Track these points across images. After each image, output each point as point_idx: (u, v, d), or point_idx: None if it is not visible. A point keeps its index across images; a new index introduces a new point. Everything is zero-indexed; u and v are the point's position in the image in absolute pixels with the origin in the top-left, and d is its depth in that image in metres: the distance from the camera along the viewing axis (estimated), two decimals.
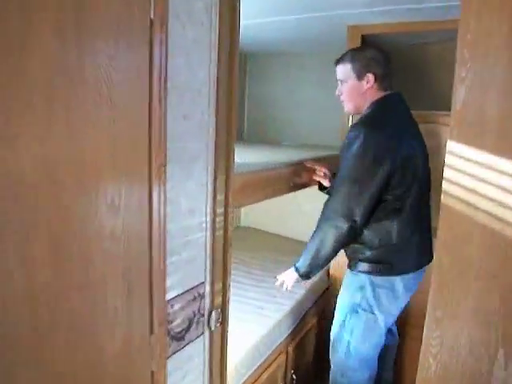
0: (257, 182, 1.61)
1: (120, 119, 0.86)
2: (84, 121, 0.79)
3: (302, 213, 3.33)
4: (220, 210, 1.20)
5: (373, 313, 1.83)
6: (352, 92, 1.82)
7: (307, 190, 3.20)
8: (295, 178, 1.93)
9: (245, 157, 1.85)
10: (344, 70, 1.82)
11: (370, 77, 1.77)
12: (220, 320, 1.28)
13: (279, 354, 2.09)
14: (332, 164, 2.19)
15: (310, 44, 2.74)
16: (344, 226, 1.72)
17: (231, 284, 2.32)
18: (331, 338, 2.02)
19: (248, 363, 1.81)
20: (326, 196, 2.09)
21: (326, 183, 2.08)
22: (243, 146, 2.72)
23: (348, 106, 1.88)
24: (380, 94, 1.79)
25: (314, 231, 1.85)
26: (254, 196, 1.61)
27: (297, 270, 1.93)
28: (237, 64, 1.15)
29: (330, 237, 1.77)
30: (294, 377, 2.25)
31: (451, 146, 1.08)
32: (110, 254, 0.89)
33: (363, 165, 1.67)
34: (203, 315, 1.22)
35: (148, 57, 0.90)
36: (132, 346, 0.99)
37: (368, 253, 1.80)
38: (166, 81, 0.94)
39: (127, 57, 0.85)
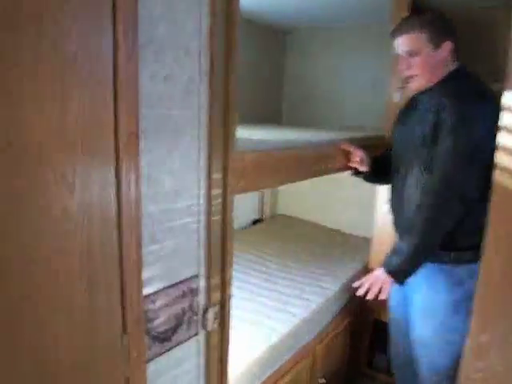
0: (275, 162, 1.41)
1: (71, 76, 0.70)
2: (20, 75, 0.63)
3: (342, 201, 3.10)
4: (216, 192, 1.02)
5: None
6: (426, 64, 1.56)
7: (348, 176, 2.99)
8: (327, 160, 1.72)
9: (271, 136, 1.67)
10: (415, 40, 1.56)
11: (449, 44, 1.53)
12: (219, 319, 1.11)
13: (305, 356, 1.90)
14: (375, 147, 1.96)
15: (349, 14, 2.49)
16: (454, 207, 1.48)
17: (255, 276, 2.20)
18: (417, 343, 1.76)
19: (265, 364, 1.64)
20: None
21: (362, 168, 1.85)
22: (278, 127, 2.53)
23: (420, 81, 1.62)
24: (454, 65, 1.58)
25: (412, 220, 1.57)
26: (271, 179, 1.41)
27: (392, 271, 1.58)
28: (238, 12, 0.95)
29: (437, 223, 1.51)
30: (323, 381, 2.05)
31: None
32: (63, 238, 0.74)
33: (473, 140, 1.44)
34: (197, 314, 1.06)
35: (110, 2, 0.73)
36: (97, 349, 0.84)
37: (469, 239, 1.55)
38: (135, 33, 0.77)
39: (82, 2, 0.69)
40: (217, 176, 1.01)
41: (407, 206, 1.65)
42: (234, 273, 2.28)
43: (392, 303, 1.94)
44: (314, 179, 3.15)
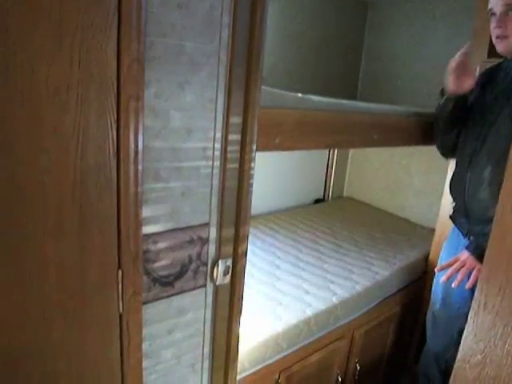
0: (320, 123, 1.31)
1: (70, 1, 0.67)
2: None
3: (412, 187, 2.90)
4: (234, 137, 0.95)
5: None
6: None
7: (421, 161, 2.78)
8: (385, 130, 1.57)
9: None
10: None
11: None
12: (230, 274, 1.06)
13: (340, 338, 1.80)
14: None
15: None
16: None
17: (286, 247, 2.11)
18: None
19: (292, 338, 1.57)
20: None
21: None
22: None
23: (510, 43, 1.43)
24: None
25: None
26: (313, 140, 1.32)
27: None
28: None
29: None
30: (358, 367, 1.94)
31: None
32: (54, 160, 0.73)
33: None
34: (205, 264, 1.01)
35: None
36: (89, 278, 0.83)
37: None
38: None
39: None
40: (236, 120, 0.94)
41: (491, 184, 1.48)
42: (284, 247, 2.26)
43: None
44: (385, 164, 3.01)
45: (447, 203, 2.06)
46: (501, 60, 1.68)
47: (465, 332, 0.64)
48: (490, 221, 1.43)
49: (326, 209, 3.11)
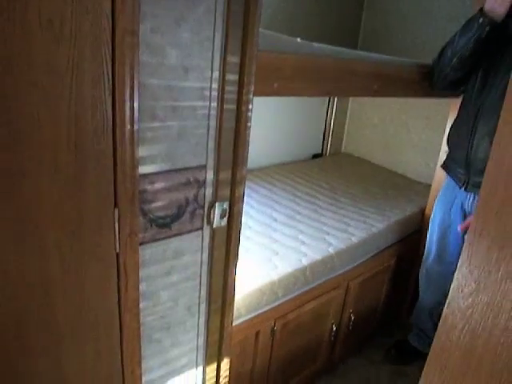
0: (319, 70, 1.29)
1: None
2: None
3: (410, 143, 2.89)
4: (232, 77, 0.93)
5: None
6: None
7: (419, 117, 2.75)
8: (387, 81, 1.53)
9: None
10: None
11: None
12: (227, 217, 1.06)
13: (335, 288, 1.83)
14: None
15: None
16: None
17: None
18: None
19: (288, 286, 1.59)
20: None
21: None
22: None
23: None
24: None
25: None
26: (312, 87, 1.30)
27: None
28: None
29: None
30: (353, 317, 1.99)
31: None
32: (48, 95, 0.71)
33: None
34: (202, 207, 1.01)
35: None
36: (86, 216, 0.83)
37: None
38: None
39: None
40: (234, 59, 0.92)
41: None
42: (282, 200, 2.27)
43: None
44: (384, 120, 2.98)
45: (444, 159, 2.06)
46: None
47: (459, 262, 0.65)
48: None
49: (324, 164, 3.10)
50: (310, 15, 2.60)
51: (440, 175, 2.11)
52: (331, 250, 1.80)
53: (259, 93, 1.06)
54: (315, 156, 3.23)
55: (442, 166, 1.85)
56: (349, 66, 1.39)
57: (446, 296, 1.85)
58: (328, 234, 1.96)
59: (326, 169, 2.97)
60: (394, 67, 1.57)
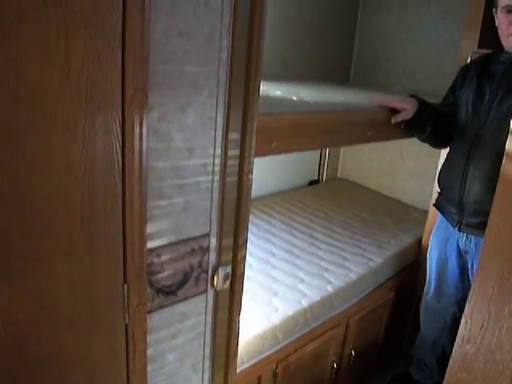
0: (315, 125, 1.34)
1: (76, 28, 0.68)
2: (22, 26, 0.63)
3: (405, 169, 2.95)
4: (233, 152, 0.98)
5: None
6: None
7: (414, 144, 2.81)
8: (378, 126, 1.59)
9: (318, 96, 1.58)
10: None
11: None
12: (230, 280, 1.10)
13: (335, 326, 1.87)
14: None
15: None
16: None
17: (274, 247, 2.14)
18: None
19: (289, 329, 1.63)
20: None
21: (408, 116, 1.62)
22: (339, 86, 2.41)
23: None
24: None
25: None
26: (309, 142, 1.34)
27: None
28: None
29: None
30: (353, 353, 2.02)
31: None
32: (64, 187, 0.75)
33: None
34: (206, 272, 1.06)
35: None
36: (97, 293, 0.87)
37: None
38: None
39: None
40: (235, 136, 0.97)
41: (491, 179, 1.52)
42: (279, 233, 2.31)
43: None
44: (379, 146, 3.03)
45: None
46: (490, 51, 1.70)
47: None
48: (483, 213, 1.48)
49: (321, 191, 3.15)
50: (303, 47, 2.66)
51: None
52: (330, 289, 1.84)
53: (258, 153, 1.10)
54: (312, 182, 3.27)
55: (434, 205, 1.90)
56: (344, 117, 1.45)
57: (446, 329, 1.91)
58: (326, 270, 1.99)
59: (322, 196, 3.01)
60: (386, 114, 1.62)
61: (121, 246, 0.87)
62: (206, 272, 1.06)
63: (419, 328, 2.16)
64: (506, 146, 0.69)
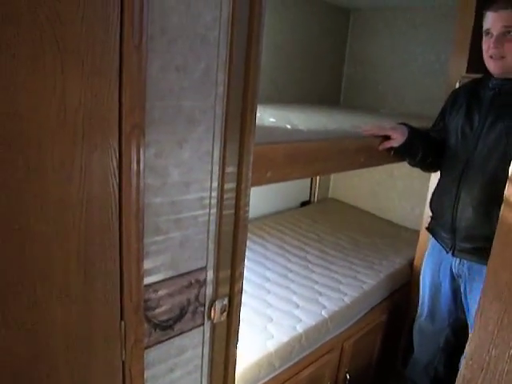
0: (308, 153, 1.35)
1: (72, 68, 0.68)
2: (18, 67, 0.63)
3: (395, 190, 2.97)
4: (230, 186, 0.99)
5: None
6: None
7: (404, 165, 2.84)
8: (369, 152, 1.61)
9: (311, 122, 1.59)
10: None
11: None
12: (227, 312, 1.10)
13: (330, 350, 1.86)
14: None
15: None
16: None
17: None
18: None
19: (284, 356, 1.62)
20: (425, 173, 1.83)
21: (397, 144, 1.66)
22: (331, 109, 2.43)
23: (505, 64, 1.49)
24: None
25: None
26: (303, 170, 1.35)
27: None
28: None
29: None
30: (348, 376, 2.01)
31: None
32: (60, 225, 0.75)
33: None
34: (203, 305, 1.05)
35: None
36: (94, 331, 0.86)
37: None
38: (144, 23, 0.74)
39: None
40: (231, 169, 0.97)
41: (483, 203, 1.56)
42: (273, 257, 2.30)
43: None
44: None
45: None
46: (479, 76, 1.73)
47: None
48: (476, 238, 1.49)
49: (312, 212, 3.16)
50: (293, 71, 2.70)
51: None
52: (325, 314, 1.83)
53: (253, 183, 1.11)
54: (303, 203, 3.28)
55: (427, 229, 1.91)
56: (337, 145, 1.46)
57: (439, 351, 1.91)
58: (320, 294, 1.99)
59: (315, 217, 3.02)
60: (379, 139, 1.64)
61: (118, 284, 0.86)
62: (203, 305, 1.05)
63: (412, 349, 2.16)
64: (505, 192, 0.70)
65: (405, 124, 1.69)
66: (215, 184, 0.97)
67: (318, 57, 2.81)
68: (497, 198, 1.49)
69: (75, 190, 0.75)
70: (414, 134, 1.65)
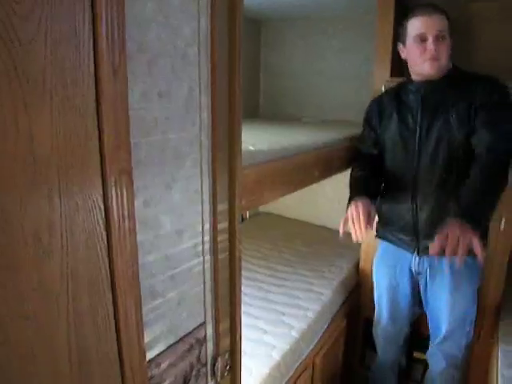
0: (276, 174, 1.26)
1: (38, 103, 0.51)
2: None
3: (325, 195, 2.98)
4: (223, 225, 0.86)
5: None
6: (448, 51, 1.52)
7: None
8: (327, 164, 1.57)
9: (260, 139, 1.50)
10: (445, 23, 1.51)
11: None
12: (229, 365, 0.96)
13: (304, 370, 1.78)
14: None
15: (332, 4, 2.33)
16: None
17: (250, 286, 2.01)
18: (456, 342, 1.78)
19: None
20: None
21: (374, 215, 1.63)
22: (257, 124, 2.37)
23: (440, 65, 1.52)
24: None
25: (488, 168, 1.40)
26: (273, 192, 1.25)
27: (478, 223, 1.30)
28: (241, 10, 0.79)
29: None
30: None
31: None
32: (44, 310, 0.57)
33: None
34: (205, 364, 0.90)
35: (89, 6, 0.55)
36: None
37: None
38: (122, 41, 0.59)
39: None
40: (222, 207, 0.85)
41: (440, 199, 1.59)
42: None
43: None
44: None
45: None
46: (401, 79, 1.77)
47: None
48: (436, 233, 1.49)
49: (248, 229, 3.05)
50: None
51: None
52: (295, 334, 1.75)
53: None
54: None
55: (377, 237, 1.91)
56: (299, 161, 1.39)
57: (401, 346, 1.95)
58: (283, 314, 1.90)
59: (252, 234, 2.92)
60: (331, 150, 1.60)
61: (117, 367, 0.70)
62: (205, 365, 0.91)
63: (369, 346, 2.16)
64: None
65: (354, 196, 1.69)
66: (207, 226, 0.83)
67: None
68: (452, 191, 1.53)
69: (57, 266, 0.57)
70: (367, 192, 1.66)
